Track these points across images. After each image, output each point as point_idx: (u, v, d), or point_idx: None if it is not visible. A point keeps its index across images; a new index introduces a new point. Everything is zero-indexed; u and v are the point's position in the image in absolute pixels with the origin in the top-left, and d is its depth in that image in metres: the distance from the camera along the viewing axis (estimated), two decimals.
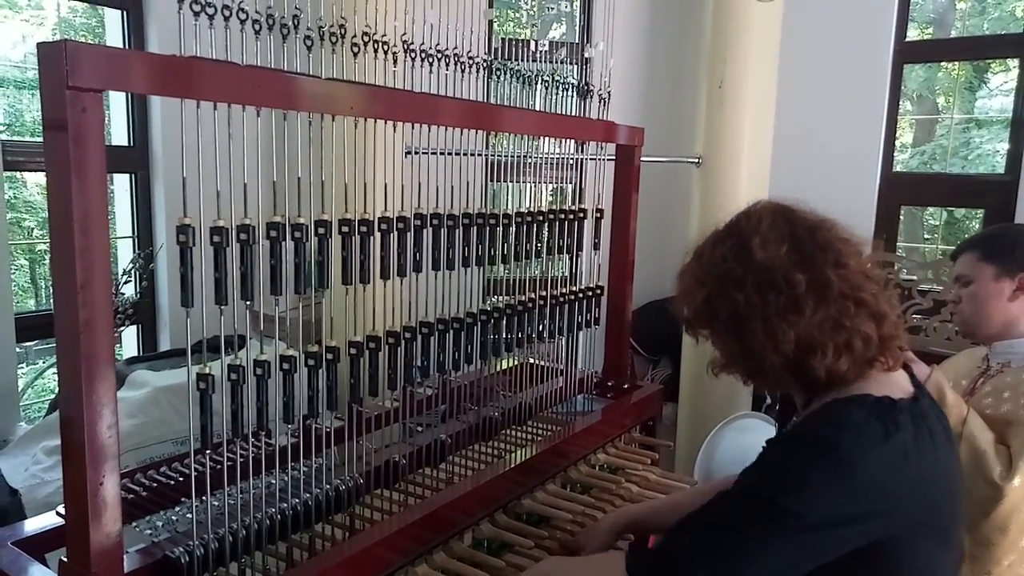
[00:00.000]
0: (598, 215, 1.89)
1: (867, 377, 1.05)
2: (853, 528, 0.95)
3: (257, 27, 1.08)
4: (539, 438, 1.70)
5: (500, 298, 1.63)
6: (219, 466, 1.10)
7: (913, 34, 3.53)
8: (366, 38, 1.25)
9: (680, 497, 1.50)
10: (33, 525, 1.24)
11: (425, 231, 1.37)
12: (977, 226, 4.01)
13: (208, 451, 1.11)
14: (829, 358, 1.01)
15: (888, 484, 0.95)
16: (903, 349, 1.08)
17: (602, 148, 1.97)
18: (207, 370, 1.05)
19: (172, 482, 1.31)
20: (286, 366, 1.14)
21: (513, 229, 1.59)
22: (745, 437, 2.59)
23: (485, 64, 1.49)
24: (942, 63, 4.55)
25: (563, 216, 1.75)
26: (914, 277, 3.00)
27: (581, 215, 1.81)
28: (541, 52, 1.65)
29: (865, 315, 1.02)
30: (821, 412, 1.05)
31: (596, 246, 1.91)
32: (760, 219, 1.06)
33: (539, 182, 1.80)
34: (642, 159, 2.01)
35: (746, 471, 1.05)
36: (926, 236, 5.36)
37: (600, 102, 1.86)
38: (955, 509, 1.05)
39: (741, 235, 1.06)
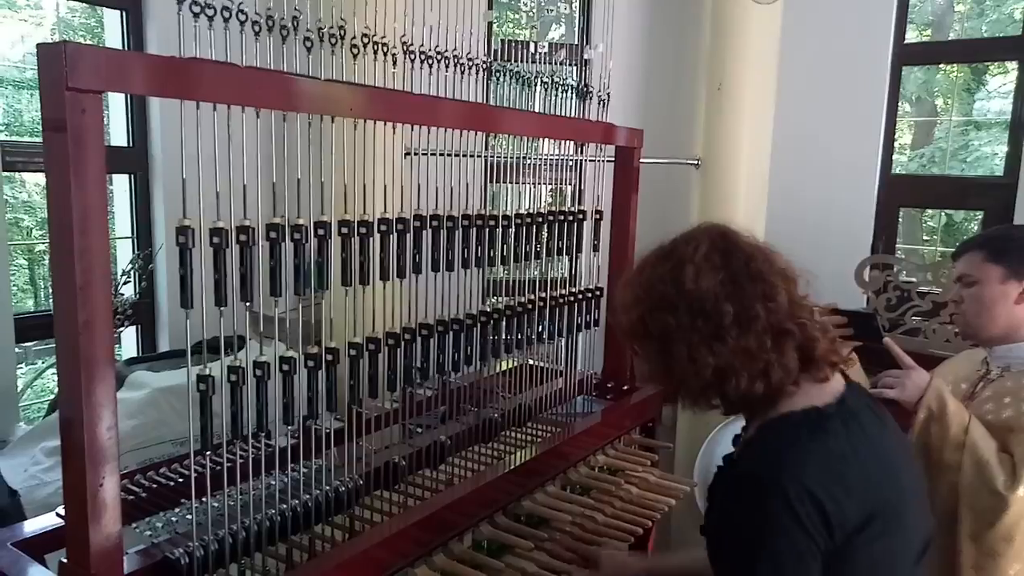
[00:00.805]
0: (597, 217, 1.89)
1: (798, 388, 1.08)
2: (822, 544, 0.98)
3: (256, 28, 1.08)
4: (539, 440, 1.71)
5: (500, 299, 1.63)
6: (219, 467, 1.10)
7: (912, 36, 3.54)
8: (365, 39, 1.25)
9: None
10: (33, 526, 1.24)
11: (424, 232, 1.37)
12: (976, 228, 4.02)
13: (208, 452, 1.11)
14: (743, 385, 1.05)
15: (835, 492, 0.98)
16: (837, 364, 1.11)
17: (601, 150, 1.97)
18: (207, 371, 1.05)
19: (172, 483, 1.31)
20: (286, 367, 1.14)
21: (512, 230, 1.59)
22: (722, 458, 2.58)
23: (484, 66, 1.49)
24: (941, 65, 4.56)
25: (562, 217, 1.75)
26: (913, 279, 3.00)
27: (580, 217, 1.81)
28: (540, 54, 1.65)
29: (790, 346, 1.05)
30: (754, 442, 1.10)
31: (595, 247, 1.91)
32: (698, 246, 1.09)
33: (538, 183, 1.80)
34: (641, 161, 2.02)
35: (716, 545, 1.09)
36: (925, 238, 5.36)
37: (599, 104, 1.86)
38: (904, 493, 1.07)
39: (679, 259, 1.09)
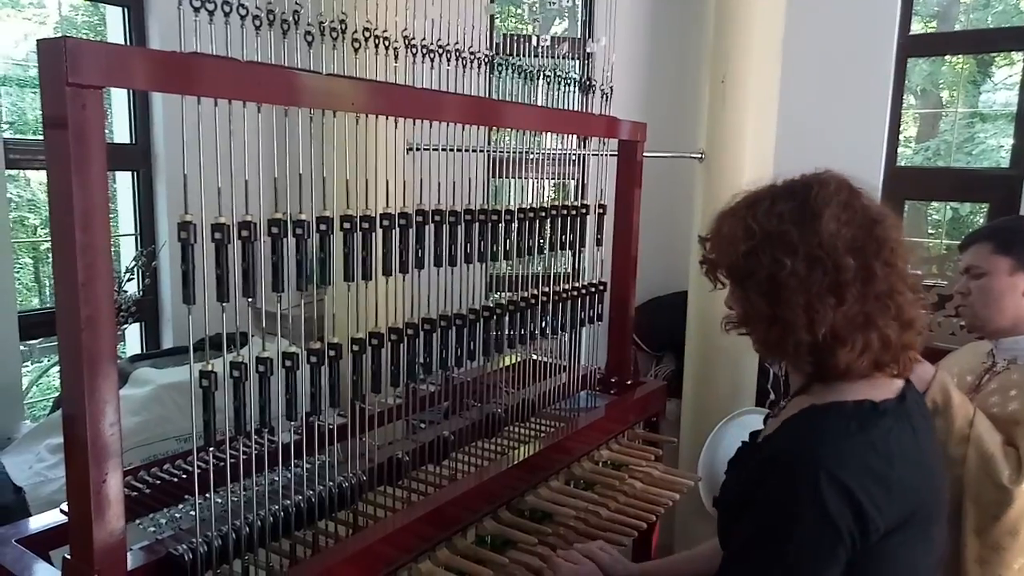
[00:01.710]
0: (601, 211, 1.88)
1: (870, 378, 1.03)
2: (850, 541, 0.95)
3: (257, 23, 1.08)
4: (542, 434, 1.70)
5: (503, 294, 1.63)
6: (222, 463, 1.10)
7: (917, 28, 3.51)
8: (367, 34, 1.24)
9: (702, 551, 1.47)
10: (37, 523, 1.24)
11: (427, 227, 1.37)
12: (982, 221, 4.00)
13: (211, 448, 1.11)
14: (856, 352, 0.99)
15: (874, 492, 0.94)
16: (913, 360, 1.06)
17: (604, 144, 1.96)
18: (210, 367, 1.05)
19: (175, 479, 1.31)
20: (288, 363, 1.14)
21: (515, 225, 1.59)
22: (748, 433, 2.58)
23: (487, 59, 1.49)
24: (946, 57, 4.53)
25: (565, 212, 1.74)
26: (918, 272, 2.98)
27: (584, 211, 1.81)
28: (543, 47, 1.65)
29: (893, 318, 1.00)
30: (798, 423, 1.04)
31: (599, 242, 1.91)
32: (836, 192, 1.02)
33: (541, 178, 1.79)
34: (645, 155, 2.01)
35: (732, 520, 1.05)
36: (930, 231, 5.34)
37: (602, 97, 1.85)
38: (938, 505, 1.05)
39: (809, 202, 1.01)
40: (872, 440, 0.97)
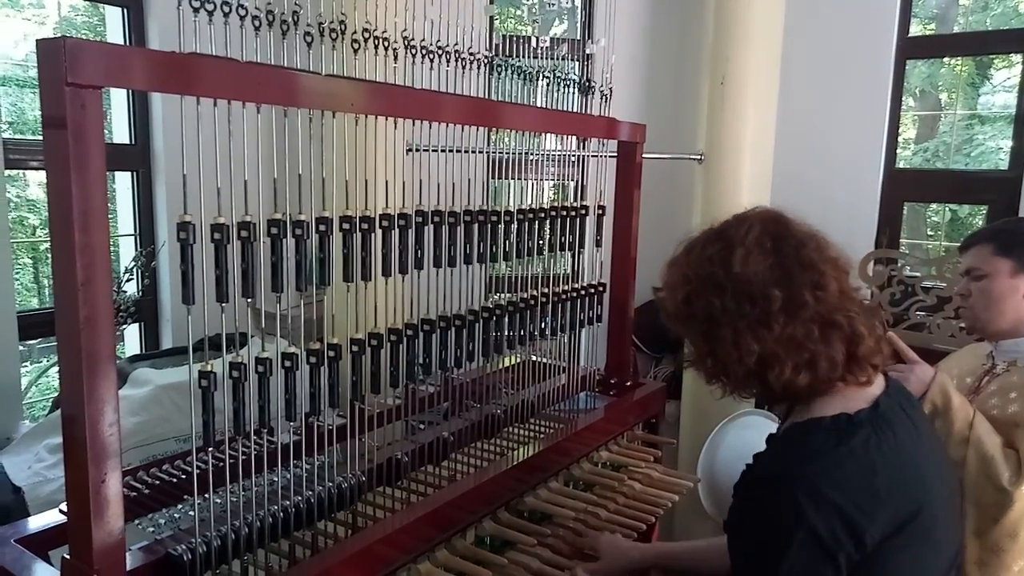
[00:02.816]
0: (600, 212, 1.89)
1: (836, 389, 1.06)
2: (841, 552, 0.96)
3: (257, 23, 1.08)
4: (542, 435, 1.70)
5: (502, 295, 1.63)
6: (221, 464, 1.09)
7: (915, 30, 3.52)
8: (366, 34, 1.24)
9: (712, 544, 1.49)
10: (36, 523, 1.24)
11: (426, 228, 1.37)
12: (980, 223, 4.00)
13: (210, 449, 1.11)
14: (787, 374, 1.03)
15: (861, 501, 0.96)
16: (878, 367, 1.09)
17: (604, 145, 1.96)
18: (209, 368, 1.05)
19: (174, 480, 1.31)
20: (288, 364, 1.14)
21: (515, 226, 1.59)
22: (748, 434, 2.58)
23: (486, 60, 1.49)
24: (945, 59, 4.54)
25: (565, 213, 1.75)
26: (917, 274, 2.99)
27: (583, 212, 1.81)
28: (542, 48, 1.65)
29: (837, 338, 1.03)
30: (778, 442, 1.09)
31: (598, 243, 1.91)
32: (749, 229, 1.07)
33: (541, 179, 1.79)
34: (644, 156, 2.01)
35: (732, 543, 1.08)
36: (929, 233, 5.34)
37: (602, 98, 1.86)
38: (937, 503, 1.05)
39: (729, 242, 1.07)
40: (852, 451, 1.00)
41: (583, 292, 1.84)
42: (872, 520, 0.96)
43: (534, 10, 1.74)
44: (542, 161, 1.74)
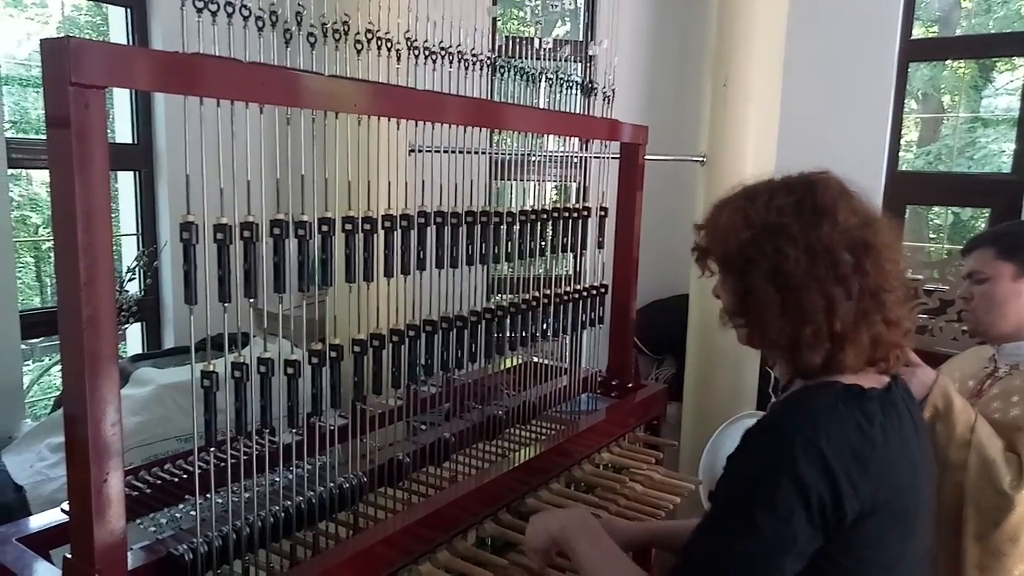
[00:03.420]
0: (602, 213, 1.89)
1: (854, 370, 1.04)
2: (818, 510, 0.95)
3: (260, 24, 1.08)
4: (543, 437, 1.70)
5: (504, 296, 1.63)
6: (223, 464, 1.10)
7: (918, 32, 3.52)
8: (369, 35, 1.24)
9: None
10: (38, 522, 1.24)
11: (428, 229, 1.37)
12: (983, 226, 3.99)
13: (212, 448, 1.11)
14: (857, 349, 1.01)
15: (851, 470, 0.95)
16: (900, 359, 1.08)
17: (606, 146, 1.96)
18: (211, 368, 1.05)
19: (176, 479, 1.31)
20: (290, 365, 1.14)
21: (517, 227, 1.59)
22: None
23: (489, 61, 1.49)
24: (947, 61, 4.53)
25: (567, 214, 1.75)
26: (920, 276, 2.99)
27: (585, 213, 1.81)
28: (545, 49, 1.65)
29: (882, 317, 1.02)
30: (786, 399, 1.05)
31: (600, 245, 1.91)
32: (834, 193, 1.04)
33: (543, 180, 1.79)
34: (646, 157, 2.01)
35: (723, 477, 1.05)
36: (931, 236, 5.34)
37: (604, 100, 1.86)
38: (919, 494, 1.05)
39: (809, 197, 1.03)
40: (856, 418, 0.98)
41: (585, 293, 1.84)
42: (855, 490, 0.95)
43: (537, 11, 1.75)
44: (544, 162, 1.74)
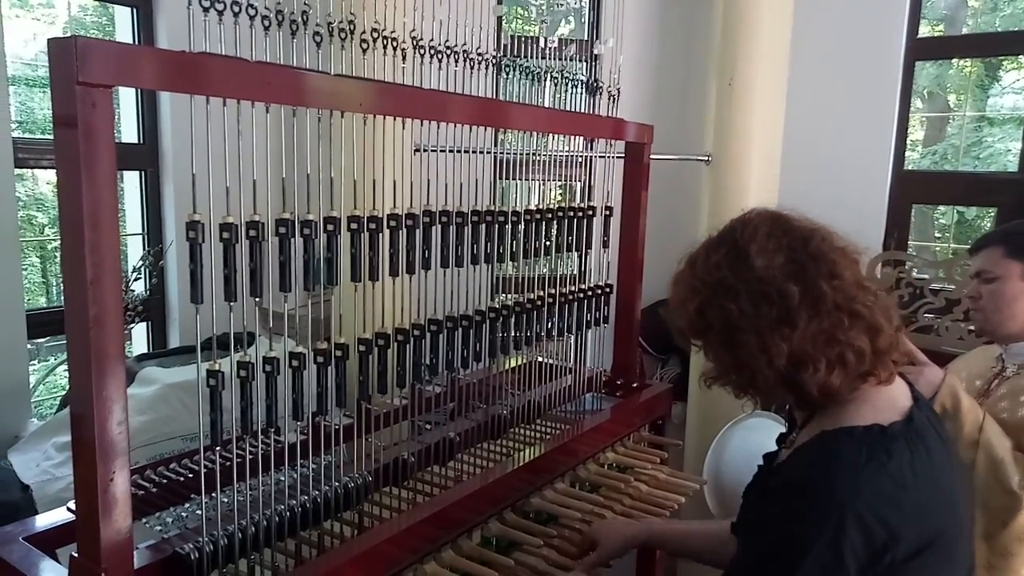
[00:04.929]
0: (607, 213, 1.88)
1: (860, 393, 1.03)
2: (855, 568, 0.94)
3: (266, 23, 1.08)
4: (548, 436, 1.70)
5: (509, 296, 1.63)
6: (228, 463, 1.10)
7: (924, 31, 3.50)
8: (375, 34, 1.24)
9: (708, 528, 1.49)
10: (44, 521, 1.24)
11: (434, 228, 1.37)
12: (989, 225, 3.98)
13: (218, 448, 1.11)
14: (821, 373, 0.99)
15: (889, 518, 0.94)
16: (898, 363, 1.06)
17: (611, 145, 1.96)
18: (217, 367, 1.05)
19: (182, 479, 1.31)
20: (295, 363, 1.14)
21: (522, 227, 1.59)
22: (754, 437, 2.57)
23: (494, 61, 1.49)
24: (954, 60, 4.52)
25: (572, 214, 1.74)
26: (926, 276, 2.97)
27: (590, 213, 1.80)
28: (550, 49, 1.65)
29: (860, 328, 1.01)
30: (811, 450, 1.04)
31: (605, 244, 1.91)
32: (756, 228, 1.05)
33: (548, 180, 1.79)
34: (651, 157, 2.01)
35: (748, 540, 1.05)
36: (937, 235, 5.32)
37: (609, 99, 1.85)
38: (960, 523, 1.03)
39: (736, 243, 1.05)
40: (885, 466, 0.96)
41: (589, 293, 1.84)
42: (896, 539, 0.93)
43: (542, 10, 1.74)
44: (549, 162, 1.74)
